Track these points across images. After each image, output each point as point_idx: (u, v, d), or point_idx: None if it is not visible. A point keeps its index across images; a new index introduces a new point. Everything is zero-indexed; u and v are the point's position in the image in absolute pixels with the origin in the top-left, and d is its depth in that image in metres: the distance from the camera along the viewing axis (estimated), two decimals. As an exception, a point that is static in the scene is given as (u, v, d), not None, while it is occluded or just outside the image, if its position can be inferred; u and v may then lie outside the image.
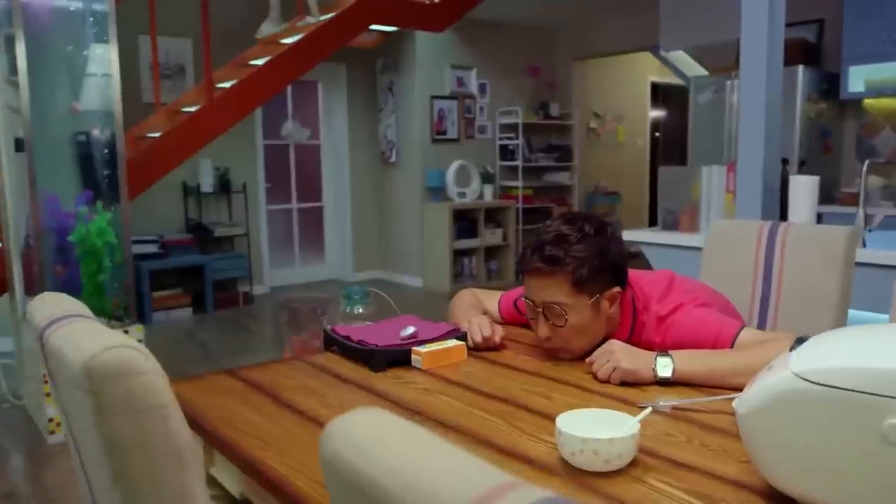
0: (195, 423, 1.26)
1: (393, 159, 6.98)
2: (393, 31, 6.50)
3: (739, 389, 1.10)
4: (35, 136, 3.08)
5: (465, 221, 6.81)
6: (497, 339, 1.62)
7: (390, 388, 1.39)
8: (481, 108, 7.14)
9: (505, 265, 7.11)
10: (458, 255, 6.79)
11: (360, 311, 1.79)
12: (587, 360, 1.43)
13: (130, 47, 5.41)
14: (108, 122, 3.30)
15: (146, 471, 0.84)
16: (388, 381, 1.44)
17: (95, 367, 0.80)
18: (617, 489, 0.95)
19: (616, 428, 1.02)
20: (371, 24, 4.98)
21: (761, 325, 2.00)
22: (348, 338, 1.59)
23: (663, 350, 1.38)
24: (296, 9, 5.38)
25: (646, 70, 8.37)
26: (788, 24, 3.58)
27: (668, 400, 1.27)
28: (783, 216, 2.94)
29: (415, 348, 1.52)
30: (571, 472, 1.00)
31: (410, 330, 1.58)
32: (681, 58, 5.32)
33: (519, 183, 7.14)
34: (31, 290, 3.28)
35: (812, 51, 5.09)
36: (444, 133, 6.86)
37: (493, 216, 7.08)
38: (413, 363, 1.52)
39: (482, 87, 7.11)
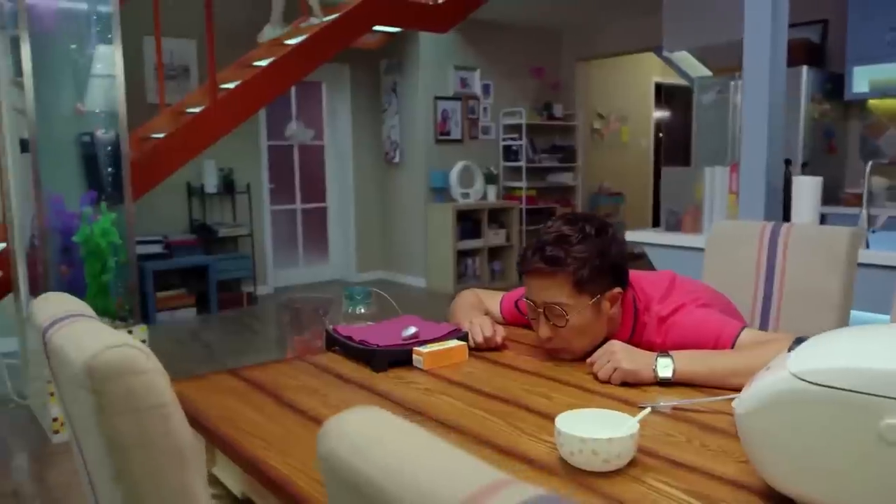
0: (197, 423, 1.26)
1: (396, 160, 6.99)
2: (397, 32, 6.52)
3: (740, 390, 1.10)
4: (40, 137, 3.10)
5: (468, 222, 6.81)
6: (498, 339, 1.62)
7: (392, 388, 1.39)
8: (485, 109, 7.14)
9: (508, 266, 7.11)
10: (462, 255, 6.80)
11: (362, 311, 1.80)
12: (588, 360, 1.43)
13: (135, 48, 5.43)
14: (113, 123, 3.31)
15: (147, 469, 0.85)
16: (389, 381, 1.44)
17: (97, 366, 0.81)
18: (616, 489, 0.95)
19: (615, 428, 1.02)
20: (375, 24, 4.99)
21: (763, 326, 2.00)
22: (350, 338, 1.59)
23: (664, 350, 1.38)
24: (298, 13, 5.40)
25: (649, 71, 8.36)
26: (792, 25, 3.58)
27: (668, 400, 1.27)
28: (786, 217, 2.93)
29: (416, 348, 1.53)
30: (571, 472, 1.00)
31: (412, 330, 1.59)
32: (684, 58, 5.31)
33: (522, 184, 7.14)
34: (36, 290, 3.29)
35: (816, 51, 5.08)
36: (448, 134, 6.87)
37: (497, 217, 7.08)
38: (414, 363, 1.52)
39: (486, 88, 7.11)
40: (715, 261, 2.12)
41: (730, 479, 0.97)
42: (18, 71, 3.12)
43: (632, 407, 1.24)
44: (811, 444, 0.81)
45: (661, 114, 8.84)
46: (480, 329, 1.62)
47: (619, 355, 1.36)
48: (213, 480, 1.38)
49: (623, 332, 1.55)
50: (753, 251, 2.02)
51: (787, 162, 2.99)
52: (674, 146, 8.90)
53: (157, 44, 4.71)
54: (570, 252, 1.43)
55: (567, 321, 1.45)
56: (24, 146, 3.20)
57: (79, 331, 0.91)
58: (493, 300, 1.87)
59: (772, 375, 0.84)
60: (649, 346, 1.49)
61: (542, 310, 1.48)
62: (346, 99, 6.91)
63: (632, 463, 1.01)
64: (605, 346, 1.41)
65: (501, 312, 1.84)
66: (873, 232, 2.67)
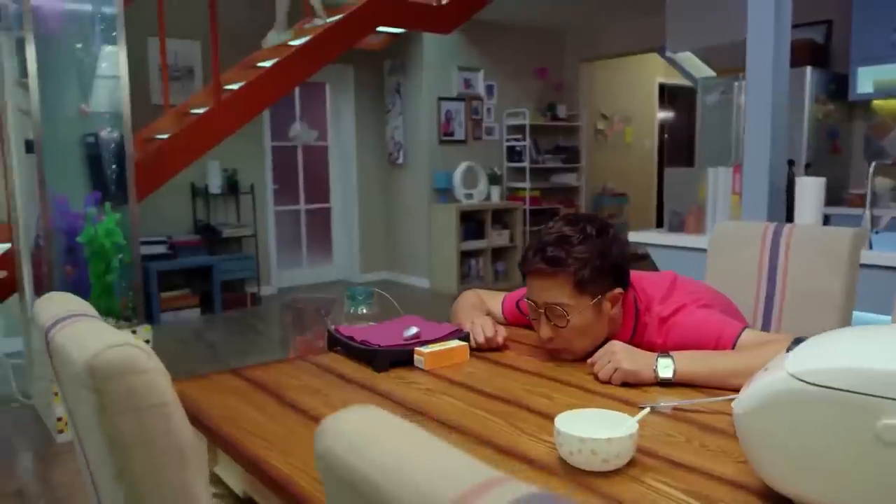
0: (199, 422, 1.27)
1: (400, 161, 6.99)
2: (400, 33, 6.53)
3: (740, 390, 1.10)
4: (45, 138, 3.11)
5: (472, 223, 6.81)
6: (500, 339, 1.63)
7: (393, 388, 1.40)
8: (489, 110, 7.15)
9: (512, 266, 7.11)
10: (466, 256, 6.80)
11: (364, 311, 1.80)
12: (588, 361, 1.43)
13: (139, 49, 5.45)
14: (117, 124, 3.32)
15: (148, 468, 0.85)
16: (390, 381, 1.45)
17: (98, 366, 0.82)
18: (615, 489, 0.95)
19: (614, 428, 1.03)
20: (378, 25, 5.00)
21: (765, 327, 2.00)
22: (352, 338, 1.60)
23: (665, 351, 1.38)
24: (301, 14, 5.41)
25: (653, 71, 8.36)
26: (796, 25, 3.57)
27: (668, 401, 1.27)
28: (789, 218, 2.93)
29: (417, 349, 1.53)
30: (570, 472, 1.00)
31: (413, 330, 1.59)
32: (688, 59, 5.31)
33: (526, 184, 7.14)
34: (41, 290, 3.31)
35: (820, 52, 5.07)
36: (452, 134, 6.87)
37: (501, 217, 7.08)
38: (416, 363, 1.53)
39: (489, 89, 7.12)
40: (717, 261, 2.12)
41: (729, 480, 0.97)
42: (23, 72, 3.13)
43: (632, 407, 1.24)
44: (809, 444, 0.81)
45: (664, 114, 8.83)
46: (482, 329, 1.62)
47: (620, 356, 1.36)
48: (215, 480, 1.39)
49: (624, 332, 1.55)
50: (756, 252, 2.02)
51: (791, 163, 2.98)
52: (677, 147, 8.90)
53: (161, 45, 4.73)
54: (571, 252, 1.44)
55: (568, 321, 1.46)
56: (29, 147, 3.21)
57: (81, 330, 0.91)
58: (495, 301, 1.87)
59: (770, 376, 0.85)
60: (650, 347, 1.49)
61: (543, 310, 1.48)
62: (350, 100, 6.92)
63: (631, 463, 1.01)
64: (605, 346, 1.41)
65: (503, 313, 1.85)
66: (876, 233, 2.66)
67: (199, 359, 4.49)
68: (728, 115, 4.96)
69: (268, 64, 4.61)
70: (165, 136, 4.31)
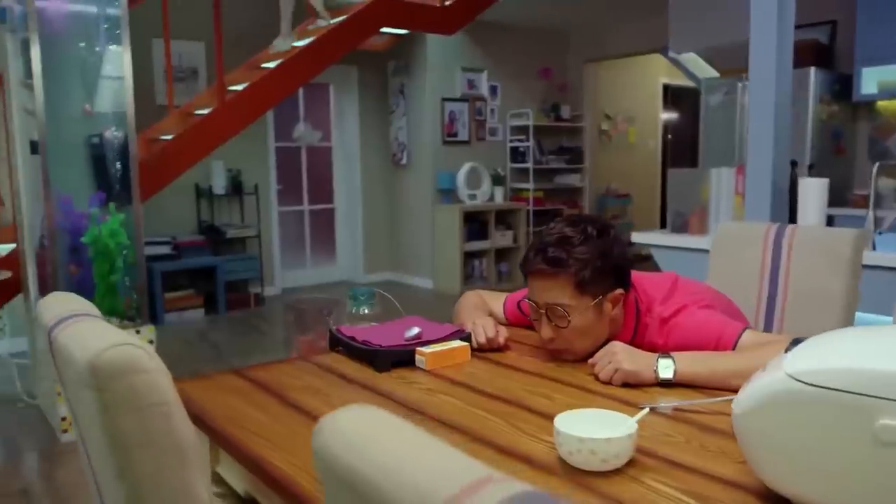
0: (201, 422, 1.28)
1: (404, 161, 7.00)
2: (404, 34, 6.53)
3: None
4: (49, 139, 3.12)
5: (475, 223, 6.82)
6: (501, 340, 1.63)
7: (394, 388, 1.40)
8: (492, 111, 7.15)
9: (515, 267, 7.11)
10: (469, 256, 6.81)
11: (366, 311, 1.81)
12: (589, 361, 1.44)
13: (144, 50, 5.47)
14: (121, 125, 3.34)
15: (149, 467, 0.86)
16: (392, 381, 1.45)
17: (100, 365, 0.82)
18: (614, 489, 0.96)
19: (614, 428, 1.03)
20: (382, 26, 5.01)
21: (768, 327, 2.00)
22: (353, 338, 1.60)
23: (665, 351, 1.38)
24: (305, 16, 5.41)
25: (657, 72, 8.35)
26: (800, 26, 3.56)
27: (668, 401, 1.27)
28: (792, 219, 2.93)
29: (419, 349, 1.53)
30: (569, 472, 1.01)
31: (415, 331, 1.59)
32: (692, 59, 5.30)
33: (530, 185, 7.14)
34: (45, 290, 3.32)
35: (824, 52, 5.06)
36: (455, 135, 6.88)
37: (504, 218, 7.08)
38: (417, 363, 1.53)
39: (493, 90, 7.12)
40: (720, 262, 2.12)
41: (727, 480, 0.97)
42: (28, 73, 3.15)
43: (632, 408, 1.24)
44: (807, 444, 0.81)
45: (668, 115, 8.82)
46: (483, 330, 1.62)
47: (621, 356, 1.37)
48: (218, 479, 1.40)
49: (625, 333, 1.55)
50: (758, 253, 2.02)
51: (793, 163, 2.98)
52: (681, 147, 8.89)
53: (165, 46, 4.74)
54: (572, 253, 1.44)
55: (569, 322, 1.46)
56: (34, 147, 3.23)
57: (83, 330, 0.92)
58: (497, 301, 1.88)
59: (768, 376, 0.85)
60: (651, 348, 1.49)
61: (544, 311, 1.49)
62: (354, 100, 6.93)
63: (630, 463, 1.02)
64: (606, 346, 1.42)
65: (505, 313, 1.85)
66: (880, 233, 2.66)
67: (203, 359, 4.50)
68: (731, 116, 4.96)
69: (272, 65, 4.62)
70: (169, 137, 4.32)
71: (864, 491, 0.79)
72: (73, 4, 3.19)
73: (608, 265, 1.47)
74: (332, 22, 4.87)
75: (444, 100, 6.76)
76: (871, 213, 2.76)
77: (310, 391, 1.40)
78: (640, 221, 8.09)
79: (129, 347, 0.84)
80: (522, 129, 7.19)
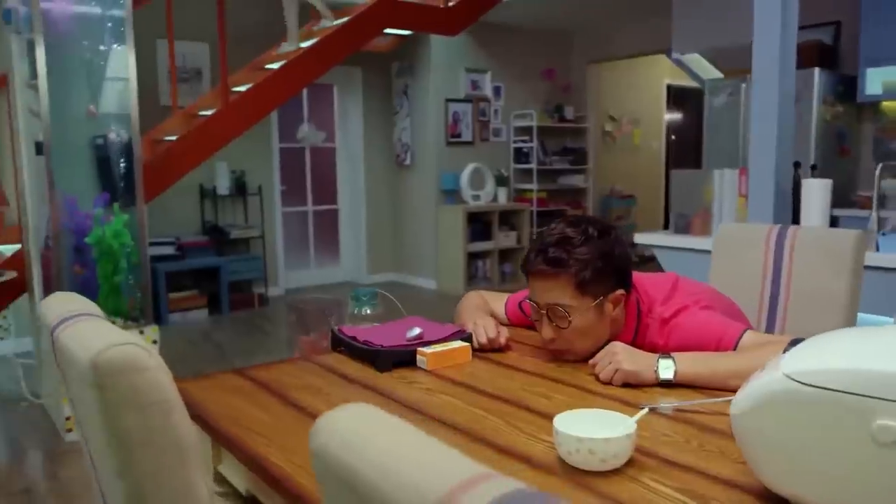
0: (203, 421, 1.28)
1: (408, 162, 7.01)
2: (408, 35, 6.54)
3: (738, 391, 1.10)
4: (54, 140, 3.14)
5: (479, 224, 6.82)
6: (502, 340, 1.63)
7: (395, 388, 1.41)
8: (496, 111, 7.16)
9: (519, 268, 7.09)
10: (473, 257, 6.81)
11: (368, 312, 1.81)
12: (590, 361, 1.44)
13: (148, 51, 5.48)
14: (126, 126, 3.35)
15: (150, 465, 0.87)
16: (393, 381, 1.46)
17: (101, 364, 0.83)
18: (613, 488, 0.96)
19: (613, 428, 1.03)
20: (386, 27, 5.02)
21: (770, 328, 2.00)
22: (355, 338, 1.61)
23: (666, 352, 1.39)
24: (308, 17, 5.43)
25: (661, 73, 8.34)
26: (804, 27, 3.56)
27: (669, 401, 1.27)
28: (795, 220, 2.92)
29: (420, 349, 1.54)
30: (568, 472, 1.01)
31: (416, 331, 1.60)
32: (695, 60, 5.30)
33: (533, 186, 7.14)
34: (50, 290, 3.34)
35: (828, 53, 5.05)
36: (459, 136, 6.89)
37: (508, 219, 7.09)
38: (418, 364, 1.54)
39: (497, 90, 7.13)
40: (722, 263, 2.12)
41: (726, 480, 0.97)
42: (33, 74, 3.16)
43: (632, 408, 1.25)
44: (805, 444, 0.81)
45: (672, 116, 8.81)
46: (484, 330, 1.63)
47: (621, 356, 1.37)
48: (220, 478, 1.40)
49: (626, 333, 1.55)
50: (760, 254, 2.02)
51: (797, 164, 2.98)
52: (685, 148, 8.88)
53: (170, 47, 4.76)
54: (573, 254, 1.44)
55: (569, 322, 1.46)
56: (39, 148, 3.24)
57: (84, 329, 0.93)
58: (499, 302, 1.88)
59: (765, 376, 0.85)
60: (652, 348, 1.49)
61: (544, 311, 1.49)
62: (358, 101, 6.94)
63: (629, 463, 1.02)
64: (606, 347, 1.42)
65: (506, 314, 1.86)
66: (883, 234, 2.65)
67: (207, 359, 4.51)
68: (735, 117, 4.95)
69: (276, 66, 4.63)
70: (174, 138, 4.34)
71: (863, 491, 0.79)
72: (77, 6, 3.21)
73: (609, 266, 1.47)
74: (335, 22, 4.88)
75: (448, 100, 6.77)
76: (874, 214, 2.75)
77: (311, 391, 1.40)
78: (644, 223, 8.08)
79: (130, 346, 0.85)
80: (526, 130, 7.20)
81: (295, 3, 5.02)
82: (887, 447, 0.76)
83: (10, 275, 3.51)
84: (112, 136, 3.32)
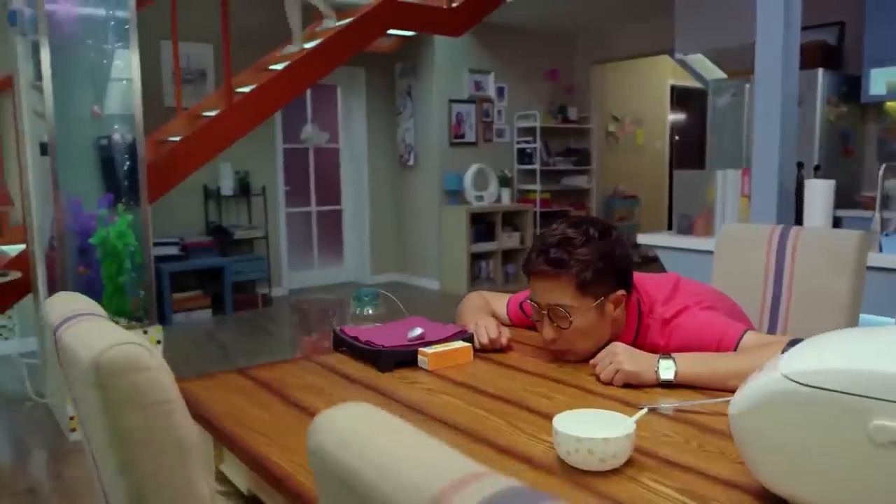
0: (205, 421, 1.29)
1: (411, 163, 7.02)
2: (411, 36, 6.55)
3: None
4: (58, 140, 3.15)
5: (482, 225, 6.83)
6: (503, 340, 1.64)
7: (396, 388, 1.41)
8: (499, 112, 7.16)
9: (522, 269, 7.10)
10: (476, 258, 6.81)
11: (370, 312, 1.82)
12: (590, 362, 1.44)
13: (153, 53, 5.50)
14: (130, 127, 3.36)
15: (151, 464, 0.87)
16: (394, 381, 1.46)
17: (103, 363, 0.84)
18: (612, 488, 0.96)
19: (612, 428, 1.03)
20: (389, 28, 5.03)
21: (772, 329, 2.00)
22: (357, 339, 1.61)
23: (667, 352, 1.39)
24: (311, 22, 5.44)
25: (665, 73, 8.34)
26: (808, 27, 3.55)
27: (669, 402, 1.28)
28: (798, 220, 2.92)
29: (421, 349, 1.54)
30: (567, 471, 1.01)
31: (418, 331, 1.60)
32: (699, 61, 5.30)
33: (537, 186, 7.14)
34: (54, 290, 3.35)
35: (832, 53, 5.04)
36: (462, 137, 6.89)
37: (511, 219, 7.09)
38: (420, 364, 1.54)
39: (500, 91, 7.13)
40: (724, 263, 2.12)
41: (725, 480, 0.97)
42: (38, 75, 3.18)
43: (633, 408, 1.25)
44: (803, 444, 0.82)
45: (676, 116, 8.80)
46: (486, 330, 1.63)
47: (622, 357, 1.37)
48: (222, 478, 1.41)
49: (627, 334, 1.56)
50: (762, 254, 2.02)
51: (800, 165, 2.98)
52: (689, 149, 8.87)
53: (174, 48, 4.78)
54: (574, 254, 1.45)
55: (570, 323, 1.47)
56: (44, 149, 3.26)
57: (87, 329, 0.93)
58: (500, 302, 1.89)
59: (764, 377, 0.85)
60: (653, 349, 1.50)
61: (545, 311, 1.49)
62: (361, 102, 6.95)
63: (628, 463, 1.02)
64: (607, 347, 1.42)
65: (508, 314, 1.86)
66: (886, 235, 2.65)
67: (210, 359, 4.52)
68: (739, 118, 4.95)
69: (279, 67, 4.65)
70: (178, 139, 4.35)
71: (861, 491, 0.79)
72: (82, 7, 3.22)
73: (610, 266, 1.47)
74: (338, 24, 4.89)
75: (452, 101, 6.77)
76: (877, 215, 2.75)
77: (312, 391, 1.41)
78: (648, 223, 8.08)
79: (132, 346, 0.86)
80: (529, 131, 7.20)
81: (298, 6, 5.04)
82: (884, 447, 0.76)
83: (15, 275, 3.53)
84: (116, 136, 3.34)
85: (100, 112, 3.30)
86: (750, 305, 1.95)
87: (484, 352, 1.63)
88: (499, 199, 6.94)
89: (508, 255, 7.08)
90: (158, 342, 3.40)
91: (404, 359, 1.54)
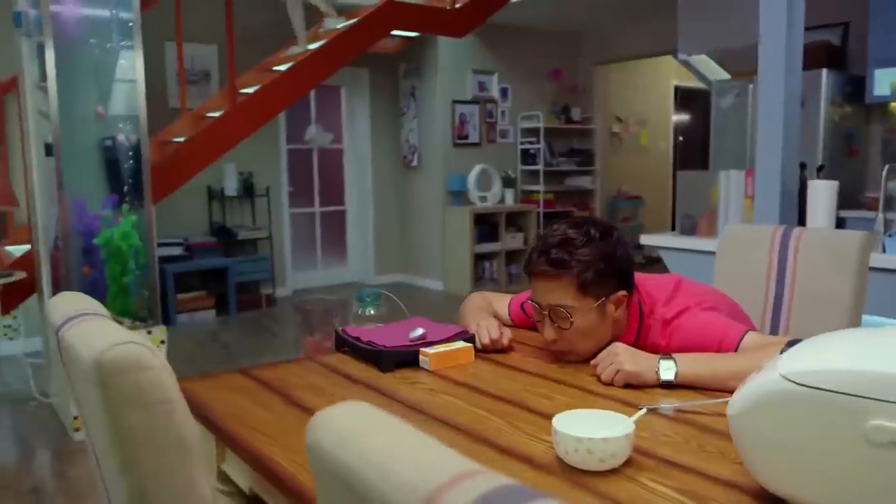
0: (207, 420, 1.30)
1: (415, 163, 7.03)
2: (415, 37, 6.56)
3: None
4: (63, 141, 3.17)
5: (486, 225, 6.83)
6: (505, 341, 1.64)
7: (397, 388, 1.42)
8: (503, 113, 7.16)
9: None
10: (479, 258, 6.82)
11: (372, 312, 1.83)
12: (591, 362, 1.44)
13: (157, 54, 5.52)
14: (134, 127, 3.38)
15: (152, 463, 0.88)
16: (395, 381, 1.46)
17: (104, 363, 0.84)
18: (611, 488, 0.96)
19: (611, 428, 1.04)
20: (393, 29, 5.03)
21: (774, 330, 2.00)
22: (358, 339, 1.62)
23: (668, 353, 1.39)
24: (315, 23, 5.44)
25: (668, 74, 8.33)
26: (812, 27, 3.54)
27: (670, 402, 1.28)
28: (801, 221, 2.92)
29: (423, 349, 1.55)
30: (567, 471, 1.02)
31: (419, 332, 1.61)
32: (702, 61, 5.29)
33: (540, 187, 7.14)
34: (59, 290, 3.36)
35: (836, 54, 5.03)
36: (466, 137, 6.90)
37: (515, 220, 7.09)
38: (421, 364, 1.54)
39: (504, 92, 7.13)
40: (726, 264, 2.12)
41: (724, 480, 0.98)
42: (43, 76, 3.19)
43: (633, 408, 1.25)
44: (800, 444, 0.82)
45: (679, 117, 8.79)
46: (487, 331, 1.64)
47: (622, 357, 1.37)
48: (224, 477, 1.42)
49: (628, 334, 1.56)
50: (764, 255, 2.02)
51: (803, 166, 2.97)
52: (693, 149, 8.85)
53: (178, 49, 4.79)
54: (575, 255, 1.45)
55: (571, 323, 1.47)
56: (48, 150, 3.27)
57: (89, 329, 0.94)
58: (502, 303, 1.89)
59: (762, 377, 0.86)
60: (654, 349, 1.50)
61: (546, 312, 1.50)
62: (365, 103, 6.96)
63: (627, 462, 1.03)
64: (608, 348, 1.42)
65: (509, 315, 1.86)
66: (890, 236, 2.64)
67: (214, 359, 4.53)
68: (743, 118, 4.94)
69: (283, 68, 4.66)
70: (182, 139, 4.36)
71: (858, 491, 0.79)
72: (86, 9, 3.24)
73: (611, 267, 1.47)
74: (341, 25, 4.90)
75: (455, 102, 6.78)
76: (880, 216, 2.74)
77: (314, 390, 1.41)
78: (652, 224, 8.07)
79: (133, 345, 0.86)
80: (533, 132, 7.20)
81: (300, 7, 5.05)
82: (881, 447, 0.76)
83: (20, 275, 3.54)
84: (120, 137, 3.35)
85: (104, 113, 3.31)
86: (752, 306, 1.95)
87: (485, 352, 1.64)
88: (502, 200, 6.95)
89: (512, 256, 7.09)
90: (162, 342, 3.41)
91: (406, 359, 1.55)
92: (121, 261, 3.31)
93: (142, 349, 0.87)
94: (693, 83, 7.86)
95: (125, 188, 3.36)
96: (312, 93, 6.70)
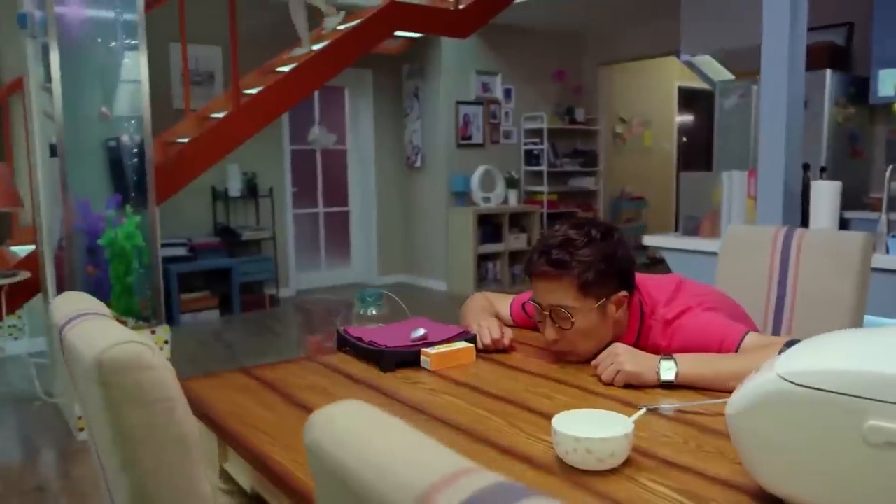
0: (209, 419, 1.30)
1: (418, 164, 7.03)
2: (419, 38, 6.57)
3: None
4: (67, 142, 3.18)
5: (489, 226, 6.83)
6: (506, 341, 1.64)
7: (398, 388, 1.42)
8: (506, 114, 7.16)
9: (529, 270, 7.10)
10: (483, 259, 6.82)
11: (374, 313, 1.83)
12: (592, 363, 1.45)
13: (161, 55, 5.54)
14: (138, 128, 3.39)
15: (153, 461, 0.89)
16: (396, 381, 1.47)
17: (106, 362, 0.85)
18: (610, 488, 0.97)
19: (611, 428, 1.04)
20: (396, 30, 5.04)
21: (776, 331, 2.00)
22: (360, 339, 1.62)
23: (669, 353, 1.39)
24: (317, 24, 5.46)
25: (672, 75, 8.32)
26: (816, 28, 3.54)
27: (670, 402, 1.28)
28: (804, 222, 2.91)
29: (424, 349, 1.55)
30: (566, 471, 1.02)
31: (421, 332, 1.61)
32: (706, 62, 5.29)
33: (544, 188, 7.14)
34: (63, 290, 3.37)
35: (840, 54, 5.02)
36: (470, 138, 6.90)
37: (518, 221, 7.09)
38: (422, 364, 1.55)
39: (507, 93, 7.13)
40: (729, 265, 2.12)
41: (723, 480, 0.98)
42: (48, 77, 3.21)
43: (633, 408, 1.25)
44: (799, 445, 0.82)
45: (683, 118, 8.78)
46: (488, 331, 1.64)
47: (623, 357, 1.37)
48: (225, 476, 1.42)
49: (629, 335, 1.56)
50: (767, 256, 2.02)
51: (805, 166, 2.97)
52: (696, 150, 8.85)
53: (182, 50, 4.80)
54: (576, 255, 1.45)
55: (572, 324, 1.47)
56: (53, 150, 3.29)
57: (90, 328, 0.95)
58: (504, 303, 1.89)
59: (760, 377, 0.86)
60: (655, 349, 1.50)
61: (548, 312, 1.50)
62: (369, 104, 6.97)
63: (627, 462, 1.03)
64: (608, 348, 1.43)
65: (511, 315, 1.87)
66: (893, 237, 2.64)
67: (217, 359, 4.54)
68: (746, 119, 4.93)
69: (287, 69, 4.67)
70: (186, 140, 4.38)
71: (857, 492, 0.79)
72: (91, 10, 3.25)
73: (612, 267, 1.48)
74: (345, 26, 4.90)
75: (459, 103, 6.79)
76: (883, 217, 2.74)
77: (315, 390, 1.42)
78: (655, 224, 8.06)
79: (134, 345, 0.87)
80: (537, 132, 7.20)
81: (302, 9, 5.06)
82: (879, 448, 0.76)
83: (24, 275, 3.56)
84: (125, 138, 3.37)
85: (109, 114, 3.33)
86: (754, 307, 1.95)
87: (486, 352, 1.64)
88: (506, 201, 6.95)
89: (515, 257, 7.09)
90: (166, 342, 3.42)
91: (407, 359, 1.55)
92: (125, 261, 3.32)
93: (142, 348, 0.87)
94: (696, 84, 7.85)
95: (129, 188, 3.37)
96: (316, 94, 6.71)
